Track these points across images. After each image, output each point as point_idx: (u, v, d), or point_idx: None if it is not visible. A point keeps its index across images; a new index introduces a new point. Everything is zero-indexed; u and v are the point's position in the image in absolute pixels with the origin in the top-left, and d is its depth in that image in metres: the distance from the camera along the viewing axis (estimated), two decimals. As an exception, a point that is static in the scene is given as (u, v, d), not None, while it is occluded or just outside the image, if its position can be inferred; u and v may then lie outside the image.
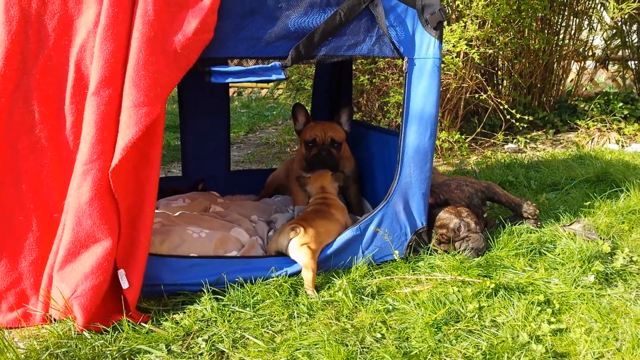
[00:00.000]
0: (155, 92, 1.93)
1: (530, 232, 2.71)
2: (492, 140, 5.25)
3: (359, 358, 1.71)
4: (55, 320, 1.95)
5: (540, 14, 5.53)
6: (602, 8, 6.69)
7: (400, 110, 4.66)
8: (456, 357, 1.73)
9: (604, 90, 7.51)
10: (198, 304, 2.08)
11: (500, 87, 6.18)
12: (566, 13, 6.24)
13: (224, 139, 3.42)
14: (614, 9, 4.99)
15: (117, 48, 1.90)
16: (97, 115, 1.88)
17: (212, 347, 1.82)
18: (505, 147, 5.23)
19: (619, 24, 6.60)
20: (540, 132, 5.64)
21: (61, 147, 1.97)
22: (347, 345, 1.78)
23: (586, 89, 7.85)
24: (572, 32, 6.45)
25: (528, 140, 5.33)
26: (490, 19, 4.83)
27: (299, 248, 2.20)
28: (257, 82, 2.29)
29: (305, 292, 2.16)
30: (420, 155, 2.43)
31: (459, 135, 4.71)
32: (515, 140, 5.25)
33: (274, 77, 2.21)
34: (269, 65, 2.19)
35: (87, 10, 1.94)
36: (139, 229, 2.00)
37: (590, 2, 6.44)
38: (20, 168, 1.94)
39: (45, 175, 1.96)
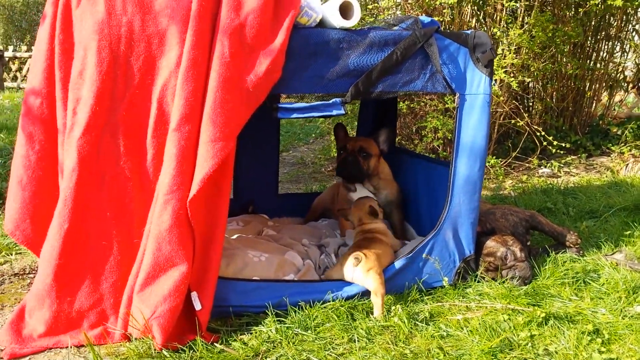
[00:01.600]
0: (229, 129, 2.08)
1: (574, 261, 2.79)
2: (527, 165, 5.33)
3: (424, 383, 1.83)
4: (133, 339, 2.09)
5: (574, 40, 5.61)
6: (635, 32, 6.77)
7: (437, 134, 4.80)
8: (514, 384, 1.83)
9: (633, 112, 7.53)
10: (263, 326, 2.21)
11: (531, 109, 6.26)
12: (599, 37, 6.31)
13: (274, 163, 3.58)
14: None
15: (197, 87, 2.06)
16: (178, 149, 2.04)
17: (281, 368, 1.95)
18: (540, 171, 5.30)
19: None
20: (574, 157, 5.69)
21: (142, 177, 2.13)
22: (409, 370, 1.90)
23: (614, 109, 7.86)
24: (605, 55, 6.52)
25: (562, 165, 5.39)
26: (526, 46, 4.94)
27: (366, 274, 2.32)
28: (319, 117, 2.44)
29: (374, 315, 2.28)
30: (470, 186, 2.55)
31: (495, 160, 4.80)
32: (549, 165, 5.32)
33: (334, 112, 2.35)
34: (330, 101, 2.34)
35: (169, 52, 2.10)
36: (211, 254, 2.15)
37: (624, 26, 6.51)
38: (105, 197, 2.10)
39: (128, 204, 2.12)
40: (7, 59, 12.79)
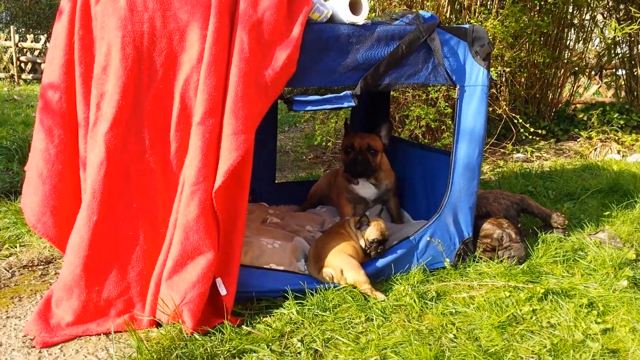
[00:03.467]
0: (250, 121, 2.17)
1: (561, 241, 3.00)
2: (502, 150, 5.56)
3: (447, 355, 1.98)
4: (163, 324, 2.17)
5: (543, 30, 5.85)
6: (593, 23, 7.08)
7: (420, 123, 4.96)
8: (527, 353, 2.00)
9: (593, 99, 7.92)
10: (283, 308, 2.32)
11: (500, 97, 6.50)
12: (562, 26, 6.58)
13: (272, 152, 3.67)
14: (616, 29, 5.35)
15: (219, 82, 2.14)
16: (203, 142, 2.11)
17: (307, 347, 2.07)
18: (514, 156, 5.55)
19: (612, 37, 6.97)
20: (544, 142, 5.96)
21: (166, 170, 2.20)
22: (430, 345, 2.05)
23: (576, 94, 8.23)
24: (569, 43, 6.82)
25: (534, 150, 5.65)
26: (501, 37, 5.15)
27: (342, 278, 2.46)
28: (331, 109, 2.54)
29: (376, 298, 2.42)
30: (469, 172, 2.70)
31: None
32: (522, 150, 5.57)
33: (345, 104, 2.46)
34: (342, 94, 2.44)
35: (190, 48, 2.16)
36: (233, 241, 2.24)
37: (587, 15, 6.82)
38: (131, 189, 2.16)
39: (153, 195, 2.19)
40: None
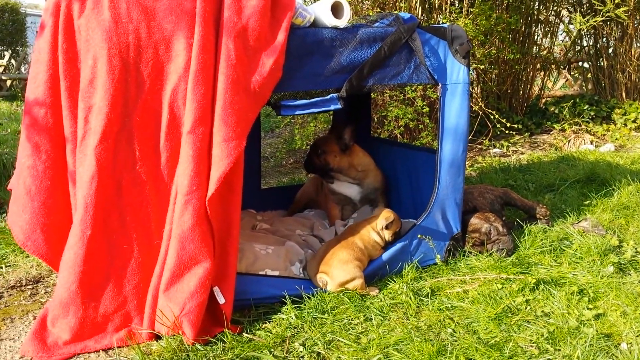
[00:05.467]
0: (240, 128, 2.17)
1: (546, 232, 3.06)
2: (478, 146, 5.65)
3: (449, 349, 2.00)
4: (160, 337, 2.15)
5: (512, 27, 5.97)
6: (558, 18, 7.27)
7: (399, 123, 5.02)
8: (526, 343, 2.05)
9: (563, 92, 8.11)
10: (282, 314, 2.32)
11: (475, 93, 6.61)
12: (529, 22, 6.72)
13: (256, 157, 3.66)
14: (581, 22, 5.49)
15: (207, 90, 2.14)
16: (194, 151, 2.11)
17: (309, 350, 2.08)
18: (492, 152, 5.64)
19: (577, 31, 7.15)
20: (519, 137, 6.08)
21: (158, 180, 2.18)
22: (431, 340, 2.07)
23: (546, 88, 8.43)
24: (537, 39, 6.97)
25: (510, 144, 5.76)
26: (472, 35, 5.24)
27: (339, 287, 2.46)
28: (318, 112, 2.56)
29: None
30: (455, 169, 2.74)
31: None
32: (499, 145, 5.67)
33: (332, 107, 2.48)
34: (328, 97, 2.46)
35: (176, 57, 2.16)
36: (228, 249, 2.24)
37: (552, 11, 6.99)
38: (124, 202, 2.14)
39: (145, 207, 2.18)
40: None
